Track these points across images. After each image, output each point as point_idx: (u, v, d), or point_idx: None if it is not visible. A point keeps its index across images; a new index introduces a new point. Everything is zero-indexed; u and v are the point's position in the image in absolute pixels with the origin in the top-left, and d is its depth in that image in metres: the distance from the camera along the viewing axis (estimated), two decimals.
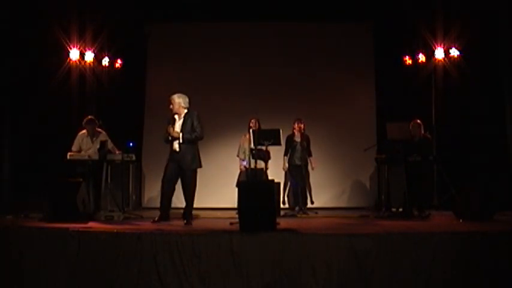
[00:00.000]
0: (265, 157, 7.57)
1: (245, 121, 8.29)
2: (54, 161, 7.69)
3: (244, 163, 8.31)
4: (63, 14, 8.88)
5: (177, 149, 6.35)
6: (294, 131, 8.33)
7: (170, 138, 6.38)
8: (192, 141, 6.41)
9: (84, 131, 7.54)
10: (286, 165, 8.44)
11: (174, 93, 6.61)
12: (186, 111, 6.50)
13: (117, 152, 7.37)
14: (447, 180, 8.07)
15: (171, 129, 6.37)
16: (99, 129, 7.58)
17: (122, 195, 7.40)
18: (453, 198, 7.30)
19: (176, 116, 6.50)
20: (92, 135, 7.50)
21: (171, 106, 6.51)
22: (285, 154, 8.40)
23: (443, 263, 4.78)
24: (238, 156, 8.57)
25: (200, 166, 6.51)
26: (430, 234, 4.99)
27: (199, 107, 9.67)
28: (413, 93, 9.34)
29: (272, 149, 7.31)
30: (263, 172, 7.69)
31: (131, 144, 7.57)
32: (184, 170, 6.38)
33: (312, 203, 8.79)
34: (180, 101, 6.49)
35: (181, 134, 6.34)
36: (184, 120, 6.43)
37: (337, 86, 10.15)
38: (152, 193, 9.59)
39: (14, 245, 5.13)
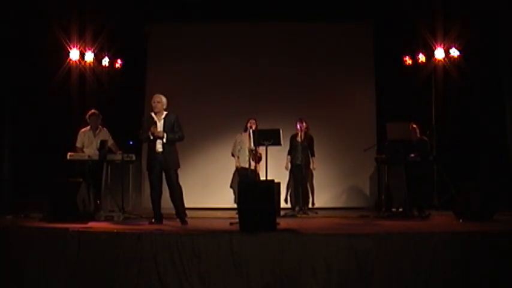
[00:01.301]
0: (256, 158, 7.58)
1: (244, 121, 8.27)
2: (54, 161, 7.69)
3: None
4: (63, 14, 8.88)
5: (160, 150, 6.32)
6: (297, 130, 8.35)
7: (152, 137, 6.31)
8: (175, 141, 6.41)
9: (85, 128, 7.54)
10: (289, 165, 8.46)
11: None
12: (165, 112, 6.48)
13: (118, 152, 7.37)
14: (447, 180, 8.08)
15: (155, 128, 6.30)
16: (101, 126, 7.59)
17: (122, 195, 7.38)
18: (453, 198, 7.31)
19: (154, 116, 6.45)
20: (95, 129, 7.51)
21: (156, 104, 6.42)
22: (288, 153, 8.42)
23: (443, 263, 4.79)
24: (232, 154, 8.56)
25: (179, 166, 6.51)
26: (430, 234, 5.00)
27: (199, 106, 9.80)
28: (413, 93, 9.33)
29: (273, 149, 7.30)
30: (256, 174, 7.70)
31: (131, 142, 7.56)
32: (168, 171, 6.34)
33: (313, 204, 8.80)
34: (164, 101, 6.49)
35: (165, 134, 6.30)
36: (164, 121, 6.40)
37: (337, 86, 10.15)
38: None
39: (14, 245, 5.13)
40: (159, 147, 6.33)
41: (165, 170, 6.35)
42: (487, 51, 8.72)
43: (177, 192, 6.39)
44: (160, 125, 6.37)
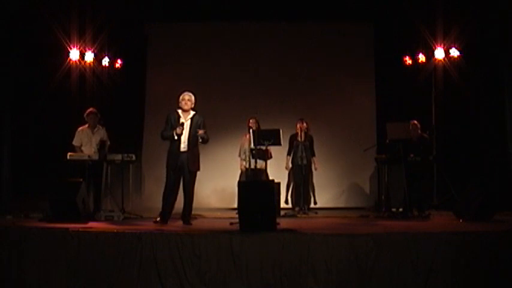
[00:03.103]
0: (266, 157, 7.57)
1: (245, 121, 8.30)
2: (54, 161, 7.69)
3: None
4: (63, 14, 8.88)
5: (185, 149, 6.20)
6: (297, 130, 8.34)
7: (176, 137, 6.18)
8: (205, 142, 6.33)
9: (83, 126, 7.57)
10: (290, 164, 8.46)
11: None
12: (193, 112, 6.37)
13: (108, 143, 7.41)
14: (447, 180, 8.08)
15: (182, 129, 6.13)
16: (99, 125, 7.61)
17: (122, 195, 7.39)
18: (453, 198, 7.31)
19: (181, 113, 6.32)
20: (93, 127, 7.54)
21: (187, 101, 6.28)
22: (288, 154, 8.42)
23: (443, 263, 4.79)
24: (239, 156, 8.58)
25: (199, 169, 6.42)
26: (430, 234, 5.01)
27: (199, 106, 9.77)
28: (413, 93, 9.33)
29: (273, 149, 7.32)
30: (263, 172, 7.70)
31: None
32: (188, 171, 6.22)
33: (316, 203, 8.81)
34: (193, 100, 6.37)
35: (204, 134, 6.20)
36: (191, 121, 6.28)
37: (337, 86, 10.14)
38: (152, 193, 9.55)
39: (14, 245, 5.13)
40: (183, 146, 6.21)
41: (186, 172, 6.22)
42: (487, 51, 8.72)
43: (189, 193, 6.28)
44: (187, 125, 6.25)
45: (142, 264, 4.92)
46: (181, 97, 6.37)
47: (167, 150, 6.40)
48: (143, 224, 6.19)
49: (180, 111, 6.36)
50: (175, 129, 6.18)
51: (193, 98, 6.38)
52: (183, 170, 6.25)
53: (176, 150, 6.24)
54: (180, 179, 6.30)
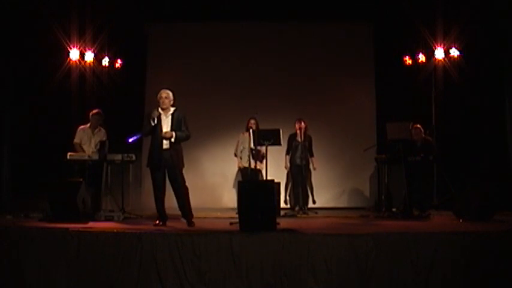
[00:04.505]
0: (260, 158, 7.60)
1: (245, 121, 8.31)
2: (54, 161, 7.70)
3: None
4: (63, 14, 8.88)
5: (167, 146, 6.14)
6: (297, 130, 8.34)
7: (154, 123, 6.11)
8: (182, 140, 6.26)
9: (84, 126, 7.63)
10: (288, 164, 8.45)
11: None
12: (173, 109, 6.31)
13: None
14: (447, 180, 8.08)
15: (155, 113, 6.13)
16: (100, 126, 7.68)
17: (122, 195, 7.39)
18: (453, 198, 7.31)
19: (161, 111, 6.27)
20: (95, 127, 7.62)
21: (164, 99, 6.23)
22: (287, 153, 8.42)
23: (443, 263, 4.79)
24: (235, 155, 8.59)
25: (184, 166, 6.37)
26: (430, 234, 5.01)
27: (199, 106, 9.79)
28: (413, 93, 9.33)
29: (272, 149, 7.31)
30: (259, 173, 7.71)
31: (130, 140, 7.52)
32: (173, 169, 6.17)
33: (314, 202, 8.81)
34: (172, 97, 6.31)
35: (174, 134, 6.15)
36: (172, 118, 6.22)
37: (337, 86, 10.13)
38: (152, 193, 9.56)
39: (14, 245, 5.14)
40: (165, 143, 6.15)
41: (170, 169, 6.18)
42: (487, 51, 8.72)
43: (183, 193, 6.24)
44: (168, 121, 6.21)
45: (142, 264, 4.93)
46: (158, 95, 6.33)
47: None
48: (143, 224, 6.20)
49: (159, 109, 6.31)
50: (153, 119, 6.11)
51: (171, 95, 6.31)
52: (168, 168, 6.20)
53: (158, 147, 6.17)
54: (165, 177, 6.25)
